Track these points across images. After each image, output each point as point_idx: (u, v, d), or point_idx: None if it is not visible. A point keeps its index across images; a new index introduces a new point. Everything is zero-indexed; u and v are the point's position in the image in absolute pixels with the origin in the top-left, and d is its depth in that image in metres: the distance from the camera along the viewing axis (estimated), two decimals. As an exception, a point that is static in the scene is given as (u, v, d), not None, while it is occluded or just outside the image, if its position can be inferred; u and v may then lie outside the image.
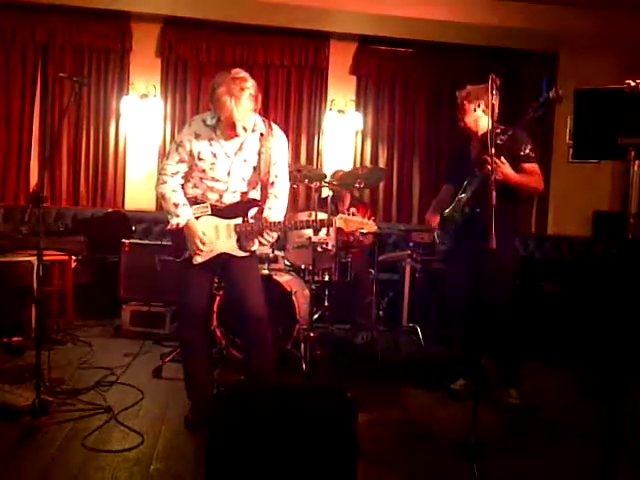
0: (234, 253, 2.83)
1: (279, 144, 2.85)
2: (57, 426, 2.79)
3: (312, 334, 3.88)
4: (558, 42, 6.08)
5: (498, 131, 3.23)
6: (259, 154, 2.79)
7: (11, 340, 3.98)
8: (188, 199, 2.82)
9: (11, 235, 4.55)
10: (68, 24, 5.90)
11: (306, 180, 4.08)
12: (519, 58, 6.36)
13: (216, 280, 3.60)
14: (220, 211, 2.82)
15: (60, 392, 3.19)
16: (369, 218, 2.97)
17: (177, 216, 2.78)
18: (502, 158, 3.14)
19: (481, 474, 2.40)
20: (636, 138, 2.16)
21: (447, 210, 3.47)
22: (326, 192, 4.47)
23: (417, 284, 4.98)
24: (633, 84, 2.14)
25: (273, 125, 2.86)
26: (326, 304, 4.66)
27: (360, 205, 5.07)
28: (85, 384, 3.36)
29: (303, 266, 4.28)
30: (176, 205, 2.78)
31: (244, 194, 2.86)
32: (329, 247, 3.99)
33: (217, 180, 2.79)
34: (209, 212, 2.81)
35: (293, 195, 5.69)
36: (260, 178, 2.83)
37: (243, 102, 2.59)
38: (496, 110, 2.91)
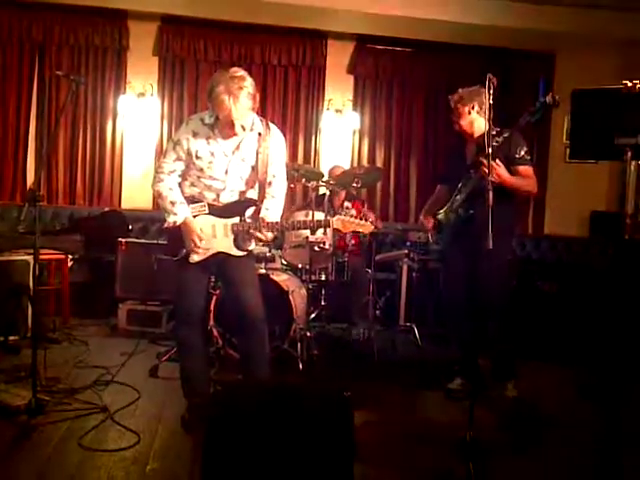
0: (231, 252, 2.82)
1: (277, 144, 2.85)
2: (53, 425, 2.78)
3: (309, 333, 3.88)
4: (555, 42, 6.09)
5: (494, 133, 3.24)
6: (257, 153, 2.79)
7: (7, 339, 3.97)
8: (185, 198, 2.82)
9: (7, 234, 4.53)
10: (65, 22, 5.88)
11: (303, 180, 4.08)
12: (516, 58, 6.35)
13: (212, 279, 3.59)
14: (217, 210, 2.82)
15: (56, 391, 3.18)
16: (366, 214, 2.97)
17: (174, 214, 2.77)
18: (497, 161, 3.14)
19: (477, 473, 2.40)
20: (633, 138, 2.17)
21: (441, 212, 3.48)
22: (323, 190, 4.47)
23: (414, 283, 4.98)
24: (630, 84, 2.14)
25: (271, 125, 2.85)
26: (323, 303, 4.66)
27: (356, 201, 5.05)
28: (81, 383, 3.36)
29: (300, 265, 4.28)
30: (173, 203, 2.78)
31: (242, 193, 2.86)
32: (326, 246, 3.99)
33: (215, 179, 2.79)
34: (206, 211, 2.81)
35: (290, 194, 5.68)
36: (258, 178, 2.82)
37: (241, 101, 2.59)
38: (483, 111, 2.92)
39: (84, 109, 6.05)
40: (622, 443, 2.20)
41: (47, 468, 2.41)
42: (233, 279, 2.88)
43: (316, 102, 6.36)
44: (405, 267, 5.01)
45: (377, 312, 4.77)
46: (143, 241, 5.14)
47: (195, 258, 2.80)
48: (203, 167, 2.77)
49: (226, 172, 2.78)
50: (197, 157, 2.75)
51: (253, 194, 2.87)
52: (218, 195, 2.82)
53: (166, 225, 2.82)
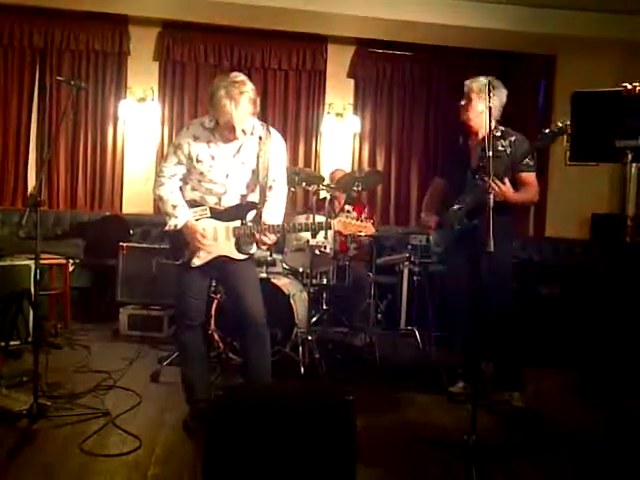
0: (232, 256, 2.82)
1: (277, 148, 2.85)
2: (55, 430, 2.78)
3: (310, 337, 3.87)
4: (556, 45, 6.10)
5: (498, 134, 3.22)
6: (257, 157, 2.79)
7: (8, 344, 3.96)
8: (187, 202, 2.82)
9: (8, 239, 4.54)
10: (66, 28, 5.91)
11: (304, 183, 4.08)
12: (517, 61, 6.37)
13: (213, 283, 3.59)
14: (219, 214, 2.82)
15: (58, 396, 3.17)
16: (368, 217, 2.96)
17: (175, 217, 2.77)
18: (505, 180, 3.10)
19: (479, 477, 2.39)
20: (633, 141, 2.17)
21: (447, 214, 3.44)
22: (324, 194, 4.47)
23: (415, 287, 4.97)
24: (630, 87, 2.14)
25: (271, 129, 2.86)
26: (324, 307, 4.64)
27: (357, 204, 5.04)
28: (83, 388, 3.35)
29: (301, 269, 4.27)
30: (174, 206, 2.78)
31: (243, 197, 2.86)
32: (327, 250, 3.98)
33: (215, 182, 2.79)
34: (208, 215, 2.81)
35: (291, 198, 5.68)
36: (259, 181, 2.83)
37: (242, 105, 2.59)
38: (495, 112, 2.90)
39: (85, 114, 6.08)
40: (624, 447, 2.20)
41: (49, 473, 2.40)
42: (234, 283, 2.88)
43: (316, 106, 6.38)
44: (406, 270, 5.01)
45: (378, 316, 4.76)
46: (144, 245, 5.15)
47: (196, 262, 2.80)
48: (204, 171, 2.77)
49: (227, 176, 2.79)
50: (198, 161, 2.76)
51: (254, 198, 2.87)
52: (219, 199, 2.83)
53: (167, 228, 2.82)
